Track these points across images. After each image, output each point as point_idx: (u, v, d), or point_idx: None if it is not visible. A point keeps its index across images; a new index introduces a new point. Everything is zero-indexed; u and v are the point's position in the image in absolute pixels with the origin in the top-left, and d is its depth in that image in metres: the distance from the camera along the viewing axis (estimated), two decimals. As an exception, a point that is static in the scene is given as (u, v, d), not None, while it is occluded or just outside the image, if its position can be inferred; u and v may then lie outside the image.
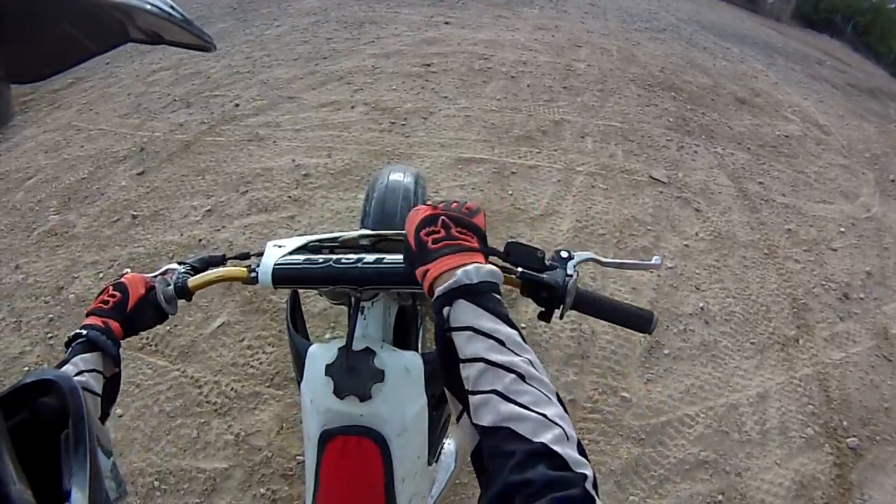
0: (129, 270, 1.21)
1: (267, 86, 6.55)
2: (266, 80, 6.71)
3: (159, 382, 3.10)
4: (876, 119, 8.01)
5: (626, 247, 3.84)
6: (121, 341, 1.06)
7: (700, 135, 5.68)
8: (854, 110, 8.19)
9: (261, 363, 3.13)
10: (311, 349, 1.13)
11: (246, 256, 1.25)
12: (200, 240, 4.18)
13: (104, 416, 0.99)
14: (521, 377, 0.70)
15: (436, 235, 0.87)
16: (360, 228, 1.59)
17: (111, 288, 1.12)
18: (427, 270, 0.84)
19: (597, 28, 9.16)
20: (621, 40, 8.59)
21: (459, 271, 0.79)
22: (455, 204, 0.95)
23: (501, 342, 0.73)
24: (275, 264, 1.07)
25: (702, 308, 3.47)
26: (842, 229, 4.61)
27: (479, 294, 0.78)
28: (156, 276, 1.17)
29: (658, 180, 4.63)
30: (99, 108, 7.60)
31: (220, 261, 1.26)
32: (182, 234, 4.31)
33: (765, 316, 3.54)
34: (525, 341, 0.75)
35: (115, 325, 1.05)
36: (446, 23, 8.46)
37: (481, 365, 0.72)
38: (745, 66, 8.88)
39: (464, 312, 0.77)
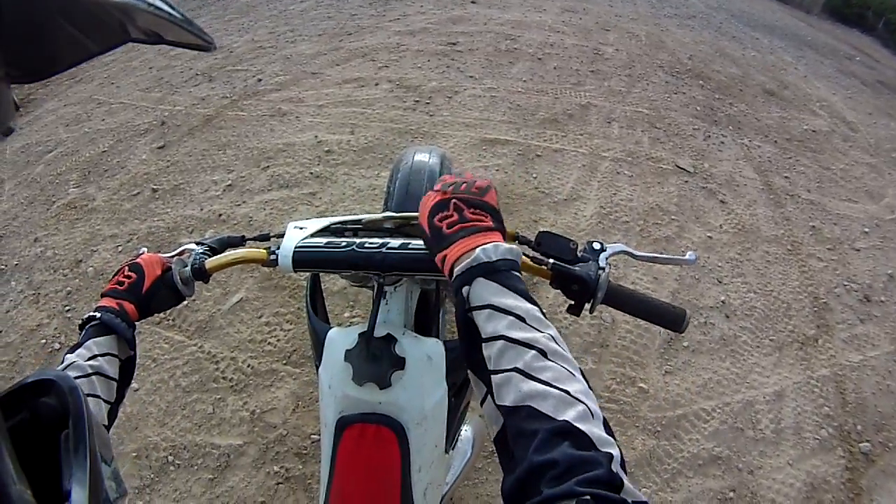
0: (145, 249, 1.19)
1: (290, 61, 6.51)
2: (289, 56, 6.68)
3: (176, 357, 3.11)
4: None
5: (649, 235, 3.80)
6: (136, 323, 1.05)
7: (727, 125, 5.60)
8: (883, 108, 8.05)
9: (278, 340, 3.11)
10: (330, 333, 1.10)
11: (266, 238, 1.23)
12: (220, 215, 4.17)
13: (119, 399, 0.97)
14: (543, 353, 0.68)
15: (449, 220, 0.86)
16: (384, 209, 1.56)
17: (126, 268, 1.10)
18: (445, 255, 0.83)
19: (625, 12, 9.04)
20: (650, 25, 8.47)
21: (478, 250, 0.78)
22: (464, 185, 0.91)
23: (521, 318, 0.72)
24: (295, 247, 1.04)
25: (723, 302, 3.43)
26: (866, 229, 4.53)
27: (498, 272, 0.77)
28: (172, 257, 1.15)
29: (684, 169, 4.57)
30: (120, 82, 7.59)
31: (240, 241, 1.23)
32: (202, 209, 4.30)
33: (785, 313, 3.50)
34: (545, 316, 0.74)
35: (129, 306, 1.04)
36: (473, 2, 8.40)
37: (501, 343, 0.70)
38: (774, 58, 8.75)
39: (483, 290, 0.75)
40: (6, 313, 4.28)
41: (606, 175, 4.31)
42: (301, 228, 1.10)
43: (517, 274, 0.78)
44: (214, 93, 6.13)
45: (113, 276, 1.10)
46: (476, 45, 6.55)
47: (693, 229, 3.95)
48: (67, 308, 3.92)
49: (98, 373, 0.90)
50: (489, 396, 0.72)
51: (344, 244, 1.03)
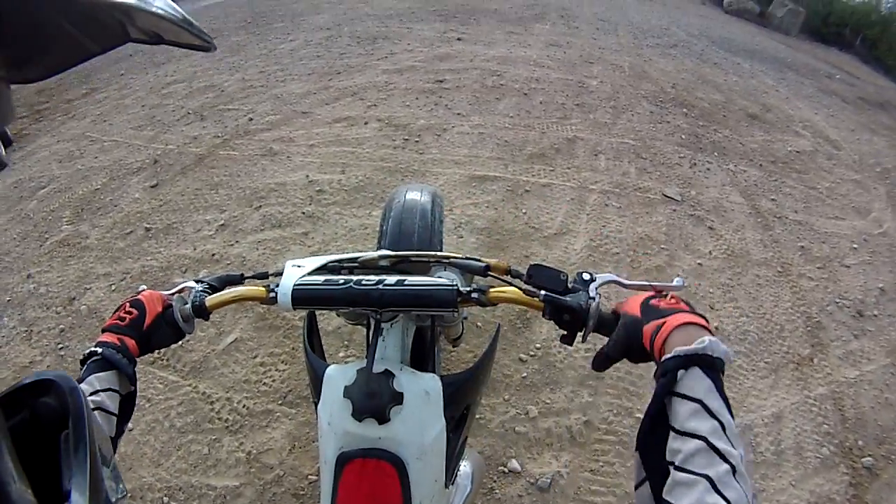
0: (144, 287, 1.20)
1: (281, 100, 6.58)
2: (280, 95, 6.75)
3: (170, 397, 3.10)
4: (887, 133, 8.01)
5: (639, 266, 3.84)
6: (136, 359, 1.07)
7: (712, 151, 5.71)
8: (865, 124, 8.21)
9: (273, 381, 3.12)
10: (329, 370, 1.12)
11: (264, 276, 1.24)
12: (214, 254, 4.20)
13: (119, 434, 0.97)
14: (734, 470, 0.68)
15: (667, 301, 0.88)
16: (378, 248, 1.58)
17: (128, 304, 1.11)
18: (663, 323, 0.83)
19: (609, 44, 9.22)
20: (633, 56, 8.65)
21: (705, 338, 0.77)
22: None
23: (724, 427, 0.71)
24: (294, 285, 1.06)
25: (716, 328, 3.45)
26: (854, 245, 4.62)
27: (715, 370, 0.76)
28: (173, 294, 1.17)
29: (671, 198, 4.65)
30: (113, 120, 7.65)
31: (238, 280, 1.24)
32: (195, 249, 4.33)
33: (779, 335, 3.54)
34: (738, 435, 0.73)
35: (130, 342, 1.05)
36: (459, 39, 8.51)
37: (700, 443, 0.69)
38: (755, 82, 8.93)
39: (697, 384, 0.74)
40: None
41: (595, 208, 4.38)
42: (299, 267, 1.12)
43: (722, 379, 0.77)
44: (206, 132, 6.20)
45: (114, 312, 1.12)
46: (463, 81, 6.65)
47: (683, 257, 4.01)
48: (61, 346, 3.93)
49: (99, 408, 0.91)
50: (651, 485, 0.73)
51: (342, 281, 1.06)
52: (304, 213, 4.36)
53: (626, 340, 0.89)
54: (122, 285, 4.25)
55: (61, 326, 4.12)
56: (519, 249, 3.84)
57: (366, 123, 5.58)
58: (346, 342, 3.19)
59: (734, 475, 0.67)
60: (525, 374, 3.00)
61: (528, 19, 10.49)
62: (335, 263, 1.16)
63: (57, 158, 7.12)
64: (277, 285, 1.08)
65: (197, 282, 1.20)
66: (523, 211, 4.25)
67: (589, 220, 4.23)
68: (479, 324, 3.23)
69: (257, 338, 3.35)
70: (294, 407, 2.98)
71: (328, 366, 1.12)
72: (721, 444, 0.68)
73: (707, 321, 0.82)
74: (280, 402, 3.02)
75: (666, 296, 0.92)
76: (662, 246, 4.06)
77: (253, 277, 1.23)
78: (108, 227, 5.03)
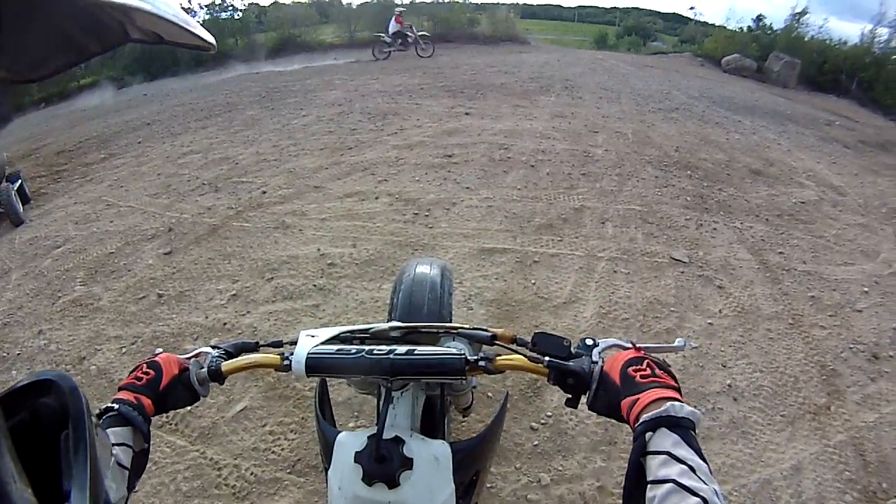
0: (161, 350, 1.24)
1: (293, 174, 6.74)
2: (293, 169, 6.91)
3: (177, 462, 3.10)
4: (889, 172, 8.06)
5: (650, 330, 3.87)
6: (151, 418, 1.08)
7: (718, 211, 5.78)
8: (867, 166, 8.30)
9: (282, 449, 3.12)
10: (339, 437, 1.16)
11: (279, 344, 1.29)
12: (225, 323, 4.24)
13: (130, 489, 0.96)
14: (705, 502, 0.73)
15: (643, 373, 0.94)
16: (389, 320, 1.65)
17: (145, 366, 1.14)
18: (636, 400, 0.90)
19: (612, 112, 9.42)
20: (636, 123, 8.81)
21: (667, 404, 0.85)
22: (654, 353, 1.03)
23: (693, 469, 0.77)
24: (308, 353, 1.11)
25: (729, 385, 3.47)
26: (865, 289, 4.62)
27: (681, 427, 0.83)
28: (189, 358, 1.20)
29: (679, 261, 4.70)
30: (129, 186, 7.82)
31: (254, 347, 1.27)
32: (207, 317, 4.38)
33: (794, 387, 3.53)
34: (713, 475, 0.80)
35: (146, 401, 1.07)
36: (466, 114, 8.74)
37: (670, 486, 0.76)
38: (757, 137, 9.05)
39: (664, 440, 0.82)
40: None
41: (603, 275, 4.42)
42: (312, 336, 1.16)
43: (694, 434, 0.84)
44: (220, 203, 6.33)
45: (130, 372, 1.14)
46: (471, 156, 6.83)
47: (693, 318, 4.02)
48: None
49: (115, 462, 0.90)
50: None
51: (354, 351, 1.10)
52: (315, 285, 4.42)
53: (607, 408, 0.97)
54: (133, 349, 4.30)
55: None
56: (529, 319, 3.89)
57: (376, 198, 5.73)
58: (356, 413, 3.21)
59: None
60: (536, 443, 3.01)
61: (534, 92, 10.75)
62: (347, 334, 1.21)
63: (73, 220, 7.25)
64: (292, 354, 1.13)
65: (213, 347, 1.24)
66: (532, 281, 4.30)
67: (598, 287, 4.27)
68: (489, 394, 3.25)
69: (267, 406, 3.37)
70: (303, 476, 2.98)
71: (339, 432, 1.17)
72: (690, 483, 0.75)
73: (679, 391, 0.92)
74: (289, 470, 3.01)
75: (643, 362, 0.97)
76: (672, 308, 4.09)
77: (268, 346, 1.28)
78: (121, 291, 5.11)
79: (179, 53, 23.05)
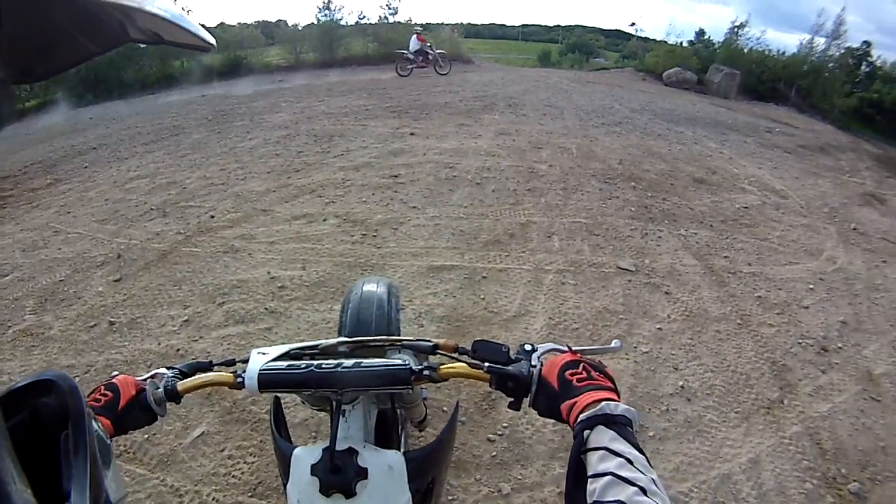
0: (117, 373, 1.24)
1: (241, 198, 6.73)
2: (240, 193, 6.90)
3: (138, 491, 3.04)
4: (829, 174, 8.36)
5: (600, 338, 3.92)
6: (111, 439, 1.03)
7: (662, 220, 5.89)
8: (808, 169, 8.58)
9: (243, 473, 3.09)
10: (296, 451, 1.18)
11: (232, 363, 1.30)
12: (178, 350, 4.23)
13: None
14: (643, 490, 0.76)
15: (579, 376, 0.99)
16: (337, 335, 1.66)
17: (103, 387, 1.14)
18: (574, 403, 0.94)
19: (555, 128, 9.57)
20: (580, 138, 8.95)
21: (603, 403, 0.90)
22: (590, 355, 1.09)
23: (630, 461, 0.81)
24: (260, 370, 1.13)
25: (682, 387, 3.53)
26: (811, 286, 4.77)
27: (617, 424, 0.87)
28: (146, 379, 1.21)
29: (626, 269, 4.79)
30: (77, 212, 7.73)
31: (208, 366, 1.28)
32: (160, 343, 4.37)
33: (745, 384, 3.61)
34: (651, 465, 0.83)
35: (105, 422, 1.07)
36: (412, 134, 8.78)
37: (609, 478, 0.79)
38: (699, 147, 9.28)
39: (601, 437, 0.86)
40: None
41: (552, 287, 4.48)
42: (263, 354, 1.17)
43: (630, 430, 0.88)
44: (169, 228, 6.31)
45: (89, 394, 1.13)
46: (417, 175, 6.89)
47: (642, 324, 4.09)
48: None
49: None
50: None
51: (304, 366, 1.12)
52: (266, 308, 4.43)
53: (548, 411, 1.02)
54: (87, 377, 4.25)
55: None
56: (479, 334, 3.90)
57: (324, 220, 5.74)
58: (313, 433, 3.21)
59: (645, 494, 0.76)
60: (494, 453, 3.04)
61: (478, 111, 10.86)
62: (297, 350, 1.23)
63: (21, 247, 7.14)
64: (244, 371, 1.15)
65: (168, 368, 1.26)
66: (482, 297, 4.34)
67: (547, 299, 4.32)
68: (444, 408, 3.28)
69: (224, 431, 3.35)
70: (264, 498, 2.99)
71: (295, 447, 1.19)
72: (628, 474, 0.78)
73: (616, 391, 0.96)
74: (250, 493, 3.02)
75: (579, 365, 1.01)
76: (621, 316, 4.15)
77: (221, 364, 1.29)
78: (72, 319, 5.07)
79: (124, 74, 22.76)
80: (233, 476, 3.12)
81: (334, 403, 1.16)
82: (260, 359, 1.17)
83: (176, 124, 12.46)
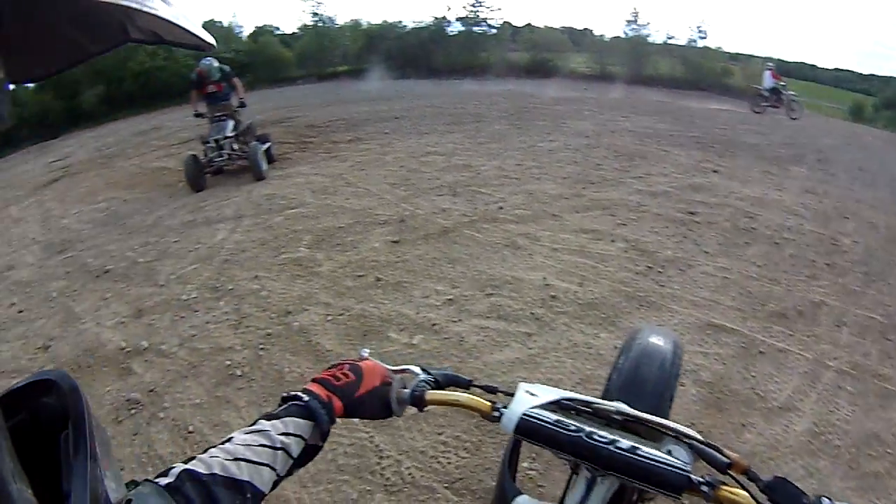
0: (367, 352, 1.22)
1: (533, 197, 6.79)
2: (532, 192, 6.98)
3: (343, 435, 3.24)
4: None
5: (858, 468, 3.40)
6: (336, 420, 1.05)
7: None
8: None
9: (449, 463, 3.13)
10: (519, 499, 1.13)
11: (493, 390, 1.20)
12: (434, 325, 4.32)
13: (288, 475, 0.95)
14: None
15: None
16: (607, 383, 1.59)
17: (346, 366, 1.10)
18: None
19: (865, 197, 8.61)
20: (890, 215, 7.97)
21: None
22: None
23: None
24: (524, 413, 1.04)
25: None
26: None
27: None
28: (395, 372, 1.16)
29: None
30: (370, 171, 8.24)
31: (466, 384, 1.21)
32: (418, 313, 4.47)
33: None
34: None
35: (338, 403, 1.03)
36: (714, 171, 8.43)
37: None
38: None
39: None
40: (206, 324, 4.87)
41: (827, 388, 3.99)
42: (532, 394, 1.09)
43: None
44: (455, 207, 6.48)
45: (330, 367, 1.11)
46: (714, 217, 6.60)
47: None
48: (262, 346, 4.36)
49: (284, 449, 0.90)
50: None
51: (573, 428, 1.01)
52: (533, 313, 4.46)
53: None
54: (340, 319, 4.51)
55: (269, 331, 4.49)
56: (738, 416, 3.59)
57: (612, 241, 5.74)
58: (540, 473, 3.08)
59: None
60: None
61: (786, 159, 10.14)
62: (568, 402, 1.10)
63: (312, 189, 7.76)
64: (504, 406, 1.08)
65: (422, 370, 1.20)
66: (752, 374, 3.97)
67: (818, 400, 3.85)
68: None
69: (450, 416, 3.38)
70: (458, 496, 2.96)
71: (520, 495, 1.14)
72: None
73: None
74: (447, 485, 3.01)
75: None
76: (888, 450, 3.54)
77: (481, 387, 1.21)
78: (342, 264, 5.35)
79: (434, 58, 24.26)
80: (438, 461, 3.16)
81: (584, 470, 1.09)
82: (527, 399, 1.08)
83: (478, 112, 12.95)
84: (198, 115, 10.15)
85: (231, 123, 9.78)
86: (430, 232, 5.99)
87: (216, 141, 9.47)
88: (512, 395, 1.10)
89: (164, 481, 0.72)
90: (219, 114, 9.95)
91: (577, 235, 5.82)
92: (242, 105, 10.16)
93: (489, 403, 1.11)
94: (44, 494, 0.48)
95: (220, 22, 33.31)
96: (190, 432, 3.76)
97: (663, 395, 1.55)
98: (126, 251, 7.25)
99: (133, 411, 4.05)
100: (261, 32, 32.26)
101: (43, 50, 0.54)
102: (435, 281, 5.00)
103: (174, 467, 0.75)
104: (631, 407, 1.15)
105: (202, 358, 4.46)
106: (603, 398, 1.25)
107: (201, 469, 0.75)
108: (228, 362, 4.31)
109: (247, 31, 33.51)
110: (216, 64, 9.90)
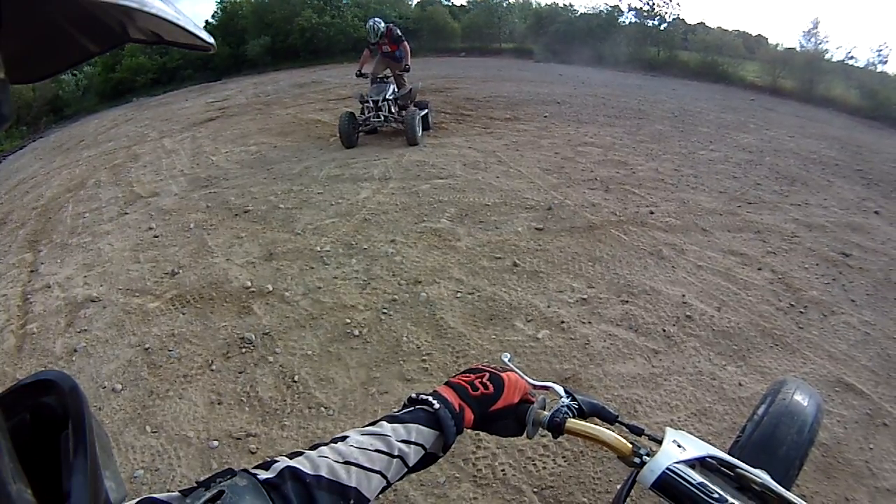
0: (509, 357, 1.20)
1: (685, 207, 6.65)
2: (686, 201, 6.82)
3: None
4: None
5: None
6: (464, 430, 1.01)
7: None
8: None
9: (544, 467, 3.18)
10: None
11: (639, 431, 1.14)
12: (563, 322, 4.35)
13: (392, 484, 0.90)
14: None
15: None
16: (742, 431, 1.54)
17: (486, 376, 1.05)
18: None
19: None
20: None
21: None
22: None
23: None
24: (667, 468, 0.97)
25: None
26: None
27: None
28: (536, 387, 1.13)
29: None
30: (525, 153, 8.30)
31: (611, 418, 1.15)
32: (549, 306, 4.50)
33: None
34: None
35: (469, 415, 0.99)
36: (876, 212, 7.85)
37: None
38: None
39: None
40: (333, 279, 5.16)
41: None
42: (679, 446, 1.02)
43: None
44: (605, 205, 6.45)
45: (468, 372, 1.07)
46: (868, 264, 6.03)
47: None
48: (385, 311, 4.58)
49: (402, 458, 0.87)
50: None
51: (716, 496, 0.93)
52: (664, 330, 4.38)
53: None
54: (469, 298, 4.62)
55: (395, 297, 4.69)
56: (844, 487, 3.30)
57: (759, 269, 5.48)
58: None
59: None
60: None
61: None
62: (713, 460, 1.04)
63: (463, 161, 7.93)
64: (647, 453, 1.02)
65: (566, 392, 1.14)
66: (871, 445, 3.56)
67: None
68: None
69: None
70: (539, 496, 3.01)
71: None
72: None
73: None
74: (536, 490, 3.05)
75: None
76: None
77: (626, 426, 1.15)
78: (482, 243, 5.45)
79: (602, 46, 23.82)
80: (534, 464, 3.20)
81: None
82: (673, 451, 1.00)
83: (640, 108, 12.70)
84: (360, 75, 10.60)
85: (392, 86, 10.16)
86: (576, 225, 5.99)
87: (374, 101, 9.85)
88: (656, 440, 1.05)
89: (263, 475, 0.72)
90: (381, 75, 10.39)
91: (724, 256, 5.63)
92: (406, 69, 10.48)
93: (630, 446, 1.03)
94: (44, 494, 0.48)
95: (391, -13, 34.23)
96: (294, 381, 4.05)
97: (795, 462, 1.49)
98: (268, 195, 7.81)
99: (244, 350, 4.42)
100: (429, 2, 32.89)
101: (43, 50, 0.55)
102: (572, 277, 5.01)
103: (277, 461, 0.76)
104: (764, 471, 1.08)
105: (323, 311, 4.74)
106: (732, 450, 1.26)
107: (307, 468, 0.75)
108: (348, 320, 4.55)
109: (415, -1, 34.33)
110: (382, 24, 10.19)
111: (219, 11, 31.67)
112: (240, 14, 30.47)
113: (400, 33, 10.37)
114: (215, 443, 3.57)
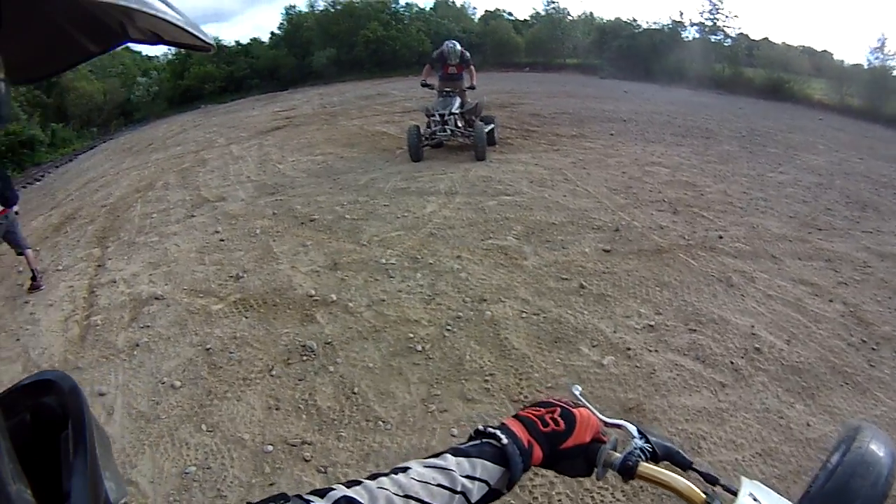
0: (579, 389, 1.12)
1: (755, 232, 6.54)
2: (755, 226, 6.71)
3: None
4: None
5: None
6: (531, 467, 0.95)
7: None
8: None
9: (602, 500, 3.14)
10: None
11: (713, 480, 1.03)
12: (629, 349, 4.32)
13: None
14: None
15: None
16: (812, 483, 1.41)
17: (559, 410, 0.98)
18: None
19: None
20: None
21: None
22: None
23: None
24: None
25: None
26: None
27: None
28: (608, 426, 1.06)
29: None
30: (592, 171, 8.31)
31: (685, 464, 1.05)
32: (615, 332, 4.49)
33: None
34: None
35: (538, 452, 0.93)
36: None
37: None
38: None
39: None
40: (398, 292, 5.36)
41: None
42: (755, 500, 0.94)
43: None
44: (674, 227, 6.40)
45: (538, 406, 0.99)
46: None
47: None
48: (449, 328, 4.64)
49: (464, 494, 0.82)
50: None
51: None
52: (732, 363, 4.24)
53: None
54: (534, 319, 4.64)
55: (460, 314, 4.74)
56: None
57: (830, 301, 5.27)
58: None
59: None
60: None
61: None
62: None
63: (529, 178, 7.93)
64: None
65: (639, 433, 1.04)
66: None
67: None
68: None
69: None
70: None
71: None
72: None
73: None
74: None
75: None
76: None
77: (700, 473, 1.04)
78: (549, 262, 5.47)
79: (665, 61, 23.56)
80: (592, 496, 3.17)
81: None
82: None
83: (708, 127, 12.55)
84: (425, 86, 10.76)
85: (458, 100, 10.26)
86: (644, 248, 5.96)
87: (441, 115, 9.95)
88: (731, 490, 0.97)
89: (318, 503, 0.69)
90: (447, 89, 10.46)
91: (794, 285, 5.45)
92: (472, 87, 10.62)
93: (703, 496, 0.96)
94: (44, 495, 0.49)
95: (454, 1, 34.60)
96: (354, 392, 4.10)
97: None
98: (334, 205, 7.98)
99: (305, 358, 4.51)
100: (493, 16, 33.46)
101: (43, 50, 0.55)
102: (639, 302, 4.96)
103: (334, 489, 0.71)
104: None
105: (386, 324, 4.79)
106: (802, 501, 1.20)
107: (364, 500, 0.71)
108: (411, 335, 4.59)
109: (479, 13, 34.70)
110: (458, 48, 10.41)
111: (284, 23, 32.69)
112: (305, 25, 31.35)
113: (469, 56, 10.56)
114: (270, 447, 3.67)
